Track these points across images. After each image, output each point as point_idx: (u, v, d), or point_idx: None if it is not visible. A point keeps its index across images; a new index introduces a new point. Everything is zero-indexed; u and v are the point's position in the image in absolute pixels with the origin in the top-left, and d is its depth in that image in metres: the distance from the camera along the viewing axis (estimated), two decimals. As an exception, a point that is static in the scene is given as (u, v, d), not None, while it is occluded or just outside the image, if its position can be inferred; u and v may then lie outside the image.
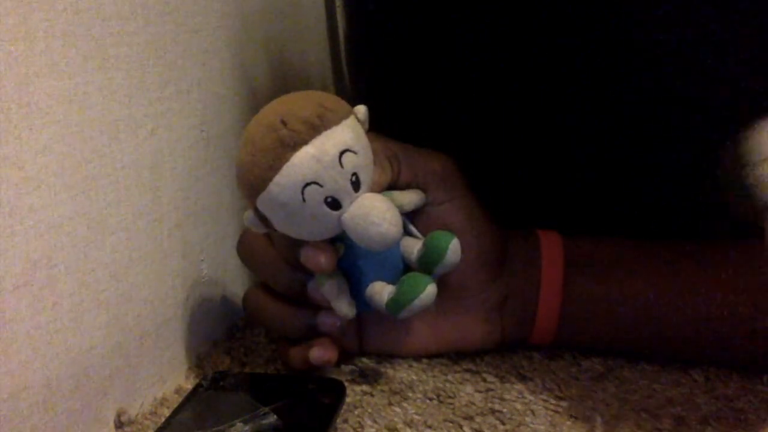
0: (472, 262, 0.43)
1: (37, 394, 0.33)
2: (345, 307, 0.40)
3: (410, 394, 0.42)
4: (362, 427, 0.39)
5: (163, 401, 0.41)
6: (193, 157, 0.44)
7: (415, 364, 0.45)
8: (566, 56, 0.46)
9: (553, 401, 0.41)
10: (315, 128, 0.35)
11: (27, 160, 0.32)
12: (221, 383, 0.40)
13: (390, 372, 0.44)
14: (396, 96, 0.53)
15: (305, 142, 0.35)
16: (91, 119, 0.35)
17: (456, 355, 0.45)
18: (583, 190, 0.48)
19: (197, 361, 0.46)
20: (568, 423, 0.39)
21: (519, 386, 0.42)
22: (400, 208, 0.38)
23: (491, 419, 0.39)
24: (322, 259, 0.39)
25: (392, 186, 0.42)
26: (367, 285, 0.40)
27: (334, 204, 0.36)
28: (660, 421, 0.39)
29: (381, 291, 0.40)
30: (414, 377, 0.43)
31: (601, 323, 0.44)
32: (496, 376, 0.43)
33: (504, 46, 0.48)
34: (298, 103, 0.36)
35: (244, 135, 0.37)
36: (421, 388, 0.42)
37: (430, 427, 0.39)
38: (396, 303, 0.39)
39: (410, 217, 0.42)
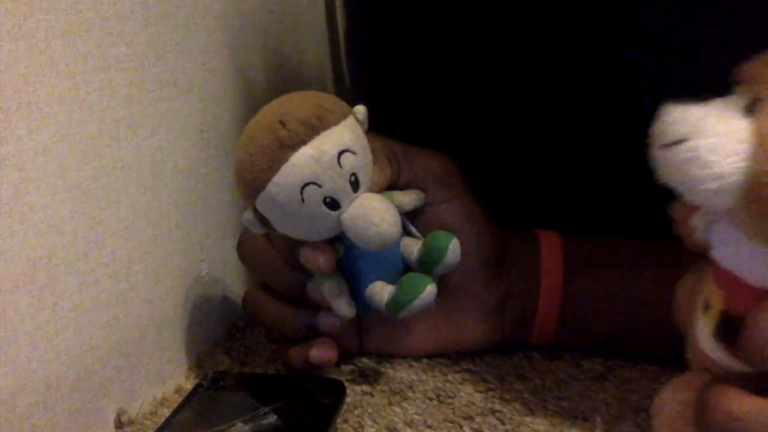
0: (471, 262, 0.43)
1: (37, 394, 0.33)
2: (345, 307, 0.40)
3: (410, 394, 0.42)
4: (362, 427, 0.39)
5: (163, 401, 0.41)
6: (193, 157, 0.44)
7: (415, 364, 0.45)
8: (566, 56, 0.46)
9: (553, 401, 0.41)
10: (314, 129, 0.35)
11: (27, 160, 0.32)
12: (221, 383, 0.40)
13: (390, 372, 0.44)
14: (396, 96, 0.53)
15: (304, 143, 0.35)
16: (91, 119, 0.35)
17: (456, 355, 0.45)
18: (583, 190, 0.48)
19: (197, 361, 0.46)
20: (568, 423, 0.39)
21: (519, 386, 0.42)
22: (399, 208, 0.38)
23: (491, 419, 0.39)
24: (321, 260, 0.39)
25: (392, 186, 0.42)
26: (367, 285, 0.40)
27: (333, 204, 0.36)
28: (660, 421, 0.39)
29: (381, 291, 0.40)
30: (414, 377, 0.43)
31: (601, 323, 0.44)
32: (496, 376, 0.43)
33: (504, 46, 0.48)
34: (297, 104, 0.36)
35: (242, 135, 0.37)
36: (421, 388, 0.42)
37: (430, 427, 0.39)
38: (396, 303, 0.39)
39: (410, 217, 0.42)
